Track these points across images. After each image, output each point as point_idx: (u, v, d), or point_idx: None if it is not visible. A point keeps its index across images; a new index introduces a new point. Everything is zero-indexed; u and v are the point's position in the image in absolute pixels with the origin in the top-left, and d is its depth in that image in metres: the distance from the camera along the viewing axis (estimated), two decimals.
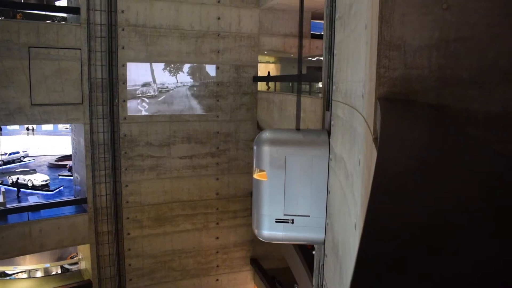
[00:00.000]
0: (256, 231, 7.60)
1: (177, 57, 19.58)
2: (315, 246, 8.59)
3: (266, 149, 7.14)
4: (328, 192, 7.34)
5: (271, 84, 22.48)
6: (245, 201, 21.69)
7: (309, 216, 7.14)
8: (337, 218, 6.34)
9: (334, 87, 7.14)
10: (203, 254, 21.72)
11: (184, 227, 21.09)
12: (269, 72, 21.39)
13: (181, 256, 21.31)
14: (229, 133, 21.04)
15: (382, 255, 0.72)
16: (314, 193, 7.06)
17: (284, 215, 7.10)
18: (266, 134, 7.46)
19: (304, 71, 16.98)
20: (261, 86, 22.51)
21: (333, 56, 7.25)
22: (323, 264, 7.48)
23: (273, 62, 24.89)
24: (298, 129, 7.63)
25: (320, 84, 11.74)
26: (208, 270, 21.94)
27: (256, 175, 7.31)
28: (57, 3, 41.59)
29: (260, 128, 21.48)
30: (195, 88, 20.07)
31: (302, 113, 11.54)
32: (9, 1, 21.07)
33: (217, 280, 22.22)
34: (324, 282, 7.40)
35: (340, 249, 5.70)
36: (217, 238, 21.77)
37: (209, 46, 20.00)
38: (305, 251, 13.69)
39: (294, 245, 13.06)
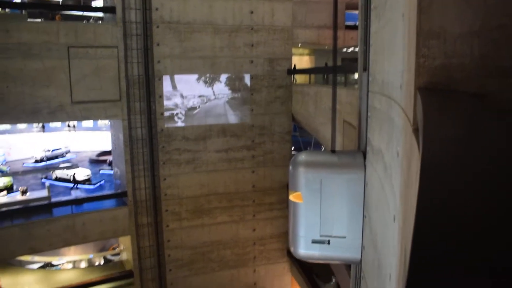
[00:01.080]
0: (292, 249, 7.67)
1: (211, 52, 19.76)
2: None
3: (302, 172, 7.18)
4: (365, 184, 7.30)
5: (306, 77, 22.33)
6: (280, 194, 21.75)
7: (345, 237, 7.18)
8: (375, 211, 6.29)
9: (370, 78, 7.06)
10: (241, 245, 21.98)
11: (222, 219, 21.39)
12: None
13: (219, 248, 21.65)
14: (264, 126, 21.12)
15: (434, 253, 0.75)
16: (350, 215, 7.10)
17: (320, 236, 7.16)
18: (301, 157, 7.49)
19: (339, 63, 16.81)
20: (299, 79, 22.41)
21: (369, 46, 7.17)
22: (361, 257, 7.46)
23: (307, 54, 24.76)
24: (333, 151, 7.58)
25: (356, 76, 11.61)
26: (245, 261, 22.20)
27: (292, 197, 7.35)
28: (93, 3, 42.78)
29: (295, 121, 21.45)
30: (229, 83, 20.21)
31: (338, 105, 11.45)
32: (48, 4, 21.82)
33: (255, 271, 22.46)
34: (362, 274, 7.38)
35: (379, 241, 5.66)
36: (254, 230, 21.97)
37: (243, 40, 20.08)
38: None
39: None
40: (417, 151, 2.51)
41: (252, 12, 20.00)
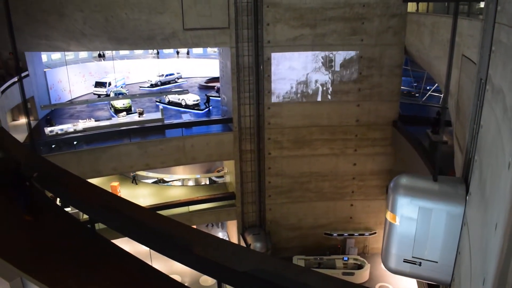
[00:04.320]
0: (383, 262, 7.86)
1: None
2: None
3: (400, 198, 7.20)
4: (480, 126, 6.71)
5: (423, 5, 20.35)
6: (385, 130, 20.99)
7: (437, 262, 7.22)
8: (488, 156, 5.80)
9: (499, 7, 6.19)
10: (340, 179, 22.00)
11: (322, 151, 21.41)
12: None
13: (318, 179, 21.91)
14: (373, 58, 20.05)
15: None
16: (444, 243, 7.07)
17: (412, 257, 7.29)
18: (402, 181, 7.39)
19: None
20: (415, 6, 20.56)
21: None
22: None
23: None
24: (435, 178, 7.16)
25: (482, 4, 10.26)
26: (343, 195, 22.30)
27: (388, 216, 7.39)
28: None
29: (407, 54, 20.00)
30: (339, 10, 19.21)
31: (458, 37, 10.35)
32: None
33: (351, 205, 22.53)
34: (464, 220, 7.02)
35: (488, 188, 5.27)
36: (354, 164, 21.73)
37: None
38: None
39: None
40: None
41: None
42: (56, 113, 24.93)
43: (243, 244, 21.03)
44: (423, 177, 7.43)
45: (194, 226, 12.64)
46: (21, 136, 17.90)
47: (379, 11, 19.27)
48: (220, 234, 26.84)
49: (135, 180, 24.82)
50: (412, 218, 7.12)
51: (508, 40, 5.24)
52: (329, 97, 20.56)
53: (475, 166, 6.77)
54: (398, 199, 7.24)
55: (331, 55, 19.91)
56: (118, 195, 23.16)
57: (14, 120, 22.54)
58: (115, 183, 23.25)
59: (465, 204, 7.01)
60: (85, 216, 14.45)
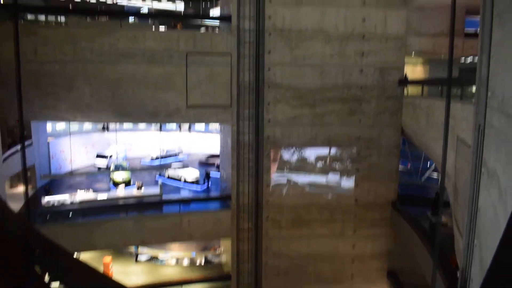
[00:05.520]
0: None
1: (320, 60, 19.55)
2: (460, 266, 7.81)
3: None
4: (478, 209, 6.62)
5: (418, 88, 21.07)
6: (384, 210, 20.73)
7: None
8: (486, 238, 5.67)
9: (489, 93, 6.36)
10: (339, 261, 21.32)
11: (321, 232, 20.96)
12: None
13: (316, 261, 21.24)
14: (371, 139, 20.32)
15: None
16: None
17: None
18: None
19: (455, 74, 15.54)
20: (410, 90, 21.25)
21: (489, 57, 6.46)
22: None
23: (421, 64, 23.36)
24: None
25: (474, 88, 10.56)
26: (342, 279, 21.45)
27: None
28: (211, 13, 45.22)
29: (404, 135, 20.34)
30: (337, 91, 19.82)
31: (452, 120, 10.54)
32: (172, 13, 23.46)
33: None
34: None
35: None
36: (354, 246, 21.18)
37: (353, 48, 19.57)
38: (448, 268, 12.54)
39: (436, 262, 12.04)
40: None
41: (364, 20, 19.40)
42: (55, 182, 24.92)
43: None
44: None
45: None
46: (17, 205, 17.78)
47: (376, 93, 19.87)
48: None
49: (137, 257, 24.18)
50: None
51: (500, 124, 5.32)
52: (329, 176, 20.54)
53: (475, 250, 6.59)
54: None
55: (330, 135, 20.18)
56: (110, 271, 22.42)
57: (12, 187, 22.51)
58: (108, 258, 22.59)
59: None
60: None
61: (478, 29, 8.03)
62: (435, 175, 25.59)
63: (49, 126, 28.56)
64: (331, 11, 19.29)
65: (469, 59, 21.60)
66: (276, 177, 20.42)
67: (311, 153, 20.34)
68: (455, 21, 8.36)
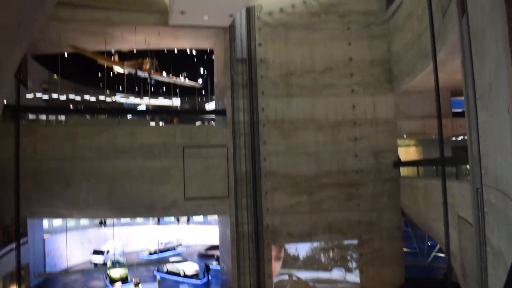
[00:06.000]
0: None
1: (314, 148, 19.97)
2: None
3: None
4: None
5: (414, 168, 21.31)
6: None
7: None
8: None
9: (483, 171, 6.50)
10: None
11: None
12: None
13: None
14: (371, 222, 20.11)
15: None
16: None
17: None
18: None
19: (448, 153, 15.85)
20: (407, 170, 21.48)
21: (478, 136, 6.71)
22: None
23: (413, 145, 23.89)
24: None
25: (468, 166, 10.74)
26: None
27: None
28: (206, 106, 46.92)
29: (405, 216, 20.17)
30: (333, 177, 19.98)
31: (450, 199, 10.56)
32: (169, 109, 24.34)
33: None
34: None
35: None
36: None
37: (346, 134, 20.11)
38: None
39: None
40: None
41: (354, 107, 20.17)
42: (49, 281, 23.99)
43: None
44: None
45: None
46: None
47: (372, 177, 20.03)
48: None
49: None
50: None
51: (497, 201, 5.38)
52: (332, 265, 20.00)
53: None
54: None
55: (329, 221, 19.96)
56: None
57: (5, 287, 21.60)
58: None
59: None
60: None
61: (465, 110, 8.38)
62: (441, 254, 25.02)
63: (45, 222, 28.20)
64: (321, 101, 20.10)
65: (460, 137, 22.16)
66: (278, 274, 19.84)
67: (311, 241, 19.95)
68: (440, 104, 8.75)
